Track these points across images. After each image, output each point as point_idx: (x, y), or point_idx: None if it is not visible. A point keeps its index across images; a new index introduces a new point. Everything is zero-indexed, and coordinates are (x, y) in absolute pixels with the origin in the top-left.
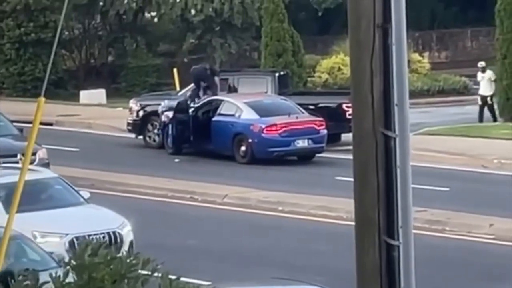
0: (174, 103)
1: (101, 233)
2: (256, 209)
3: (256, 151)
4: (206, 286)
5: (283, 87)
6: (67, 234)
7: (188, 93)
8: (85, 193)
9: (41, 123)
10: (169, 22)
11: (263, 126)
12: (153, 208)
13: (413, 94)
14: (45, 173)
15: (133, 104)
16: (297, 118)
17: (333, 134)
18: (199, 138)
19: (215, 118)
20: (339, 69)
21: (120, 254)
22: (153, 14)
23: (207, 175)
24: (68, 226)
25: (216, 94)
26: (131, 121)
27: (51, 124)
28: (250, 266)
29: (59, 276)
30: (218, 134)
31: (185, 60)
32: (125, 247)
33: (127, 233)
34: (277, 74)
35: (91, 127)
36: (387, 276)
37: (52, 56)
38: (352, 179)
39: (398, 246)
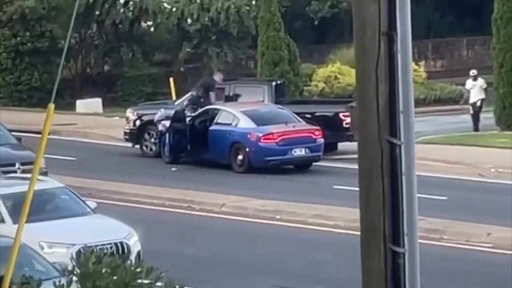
0: (171, 112)
1: (108, 243)
2: (254, 218)
3: (253, 160)
4: None
5: (279, 96)
6: (74, 245)
7: (185, 102)
8: (92, 203)
9: (38, 133)
10: (165, 32)
11: (260, 135)
12: (151, 217)
13: None
14: (52, 183)
15: (130, 113)
16: (294, 127)
17: (330, 143)
18: (196, 147)
19: (212, 127)
20: (336, 77)
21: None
22: (149, 23)
23: (204, 184)
24: (75, 237)
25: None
26: (128, 130)
27: (48, 134)
28: (249, 274)
29: (63, 284)
30: (215, 143)
31: (181, 69)
32: (133, 258)
33: (134, 243)
34: (273, 83)
35: (87, 136)
36: (393, 283)
37: (61, 64)
38: (349, 188)
39: (404, 254)
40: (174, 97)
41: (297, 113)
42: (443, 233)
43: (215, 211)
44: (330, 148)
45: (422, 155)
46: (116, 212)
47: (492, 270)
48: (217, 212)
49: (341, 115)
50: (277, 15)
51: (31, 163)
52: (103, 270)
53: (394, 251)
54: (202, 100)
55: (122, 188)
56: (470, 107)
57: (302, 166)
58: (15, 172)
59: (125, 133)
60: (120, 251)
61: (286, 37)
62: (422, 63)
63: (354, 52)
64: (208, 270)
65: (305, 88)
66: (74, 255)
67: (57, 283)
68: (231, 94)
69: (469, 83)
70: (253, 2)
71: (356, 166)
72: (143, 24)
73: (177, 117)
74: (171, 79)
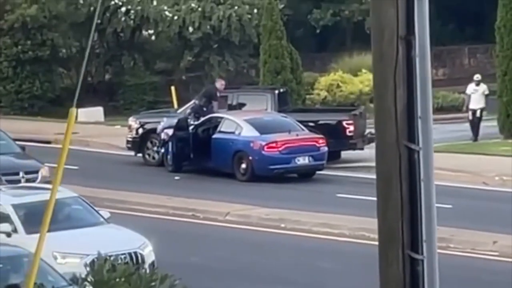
0: (173, 120)
1: (122, 254)
2: (258, 227)
3: (257, 168)
4: None
5: (282, 104)
6: (87, 255)
7: (188, 111)
8: (105, 213)
9: (39, 142)
10: (166, 40)
11: (264, 143)
12: (155, 225)
13: None
14: (65, 193)
15: (132, 121)
16: (297, 135)
17: (333, 151)
18: (199, 156)
19: (215, 136)
20: (338, 86)
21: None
22: (151, 32)
23: (207, 193)
24: (88, 247)
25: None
26: (130, 139)
27: (49, 142)
28: (254, 283)
29: None
30: (218, 152)
31: (183, 77)
32: (146, 268)
33: (148, 253)
34: (276, 91)
35: (89, 145)
36: None
37: (83, 70)
38: (353, 196)
39: (422, 261)
40: (175, 106)
41: (300, 121)
42: (449, 241)
43: (219, 219)
44: (333, 156)
45: None
46: (119, 221)
47: (498, 278)
48: (221, 221)
49: (344, 123)
50: (279, 23)
51: (35, 172)
52: (118, 278)
53: (413, 258)
54: (204, 109)
55: (125, 197)
56: (470, 113)
57: (306, 175)
58: (19, 181)
59: (128, 142)
60: (134, 261)
61: (289, 45)
62: None
63: (372, 57)
64: (213, 278)
65: (307, 96)
66: (87, 265)
67: None
68: (234, 102)
69: (471, 87)
70: (255, 11)
71: (359, 175)
72: (144, 33)
73: (180, 126)
74: (172, 88)
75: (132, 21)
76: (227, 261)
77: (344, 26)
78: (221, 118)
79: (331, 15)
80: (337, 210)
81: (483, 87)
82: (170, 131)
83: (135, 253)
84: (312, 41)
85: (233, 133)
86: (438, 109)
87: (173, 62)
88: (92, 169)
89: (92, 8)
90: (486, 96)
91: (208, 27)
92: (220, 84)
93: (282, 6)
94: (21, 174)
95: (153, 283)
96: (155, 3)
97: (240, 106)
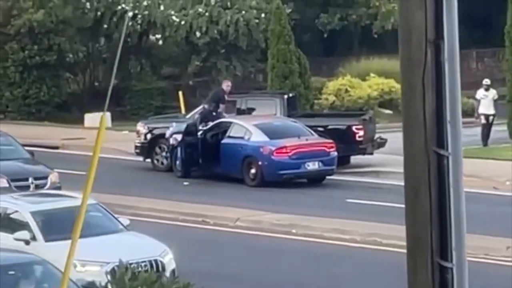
0: (182, 126)
1: (142, 261)
2: (269, 232)
3: (266, 173)
4: None
5: (291, 109)
6: (107, 263)
7: (196, 116)
8: (125, 220)
9: (46, 147)
10: (173, 45)
11: (273, 148)
12: (165, 231)
13: None
14: None
15: (141, 127)
16: (307, 140)
17: (343, 156)
18: (208, 161)
19: (224, 141)
20: (346, 90)
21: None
22: (158, 36)
23: (217, 198)
24: (108, 254)
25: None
26: (139, 144)
27: (57, 148)
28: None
29: None
30: (227, 157)
31: (190, 82)
32: (167, 276)
33: (169, 261)
34: (285, 96)
35: None
36: None
37: (114, 73)
38: (363, 202)
39: (452, 269)
40: (183, 111)
41: (309, 126)
42: None
43: (229, 225)
44: (342, 161)
45: None
46: (130, 226)
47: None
48: (232, 227)
49: (354, 128)
50: (288, 28)
51: (44, 177)
52: (139, 287)
53: (442, 265)
54: (214, 113)
55: (135, 203)
56: (482, 117)
57: (315, 180)
58: (28, 187)
59: (136, 147)
60: (155, 269)
61: (297, 50)
62: None
63: (399, 61)
64: (224, 285)
65: (316, 101)
66: (108, 273)
67: None
68: (242, 107)
69: (480, 93)
70: (262, 15)
71: (369, 180)
72: (152, 37)
73: (189, 131)
74: (180, 93)
75: (139, 26)
76: (239, 267)
77: (351, 30)
78: (230, 123)
79: (339, 20)
80: (347, 215)
81: (492, 92)
82: (179, 136)
83: (156, 260)
84: (319, 46)
85: (242, 138)
86: None
87: (180, 67)
88: (100, 174)
89: (99, 13)
90: (495, 101)
91: (216, 32)
92: (226, 85)
93: (290, 10)
94: (30, 180)
95: None
96: (162, 8)
97: (249, 110)
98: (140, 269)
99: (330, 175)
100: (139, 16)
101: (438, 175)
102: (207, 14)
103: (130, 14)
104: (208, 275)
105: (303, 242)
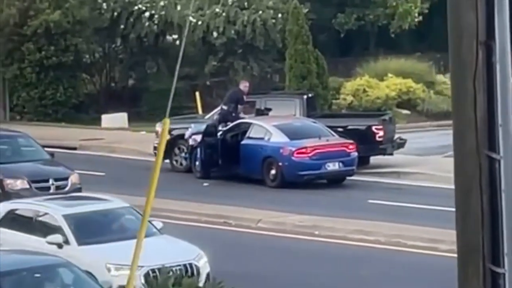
0: (201, 126)
1: (177, 265)
2: (292, 234)
3: (286, 174)
4: None
5: (311, 109)
6: (142, 267)
7: (215, 116)
8: (158, 223)
9: (64, 148)
10: (190, 45)
11: (293, 149)
12: (187, 233)
13: (438, 116)
14: (117, 203)
15: (160, 128)
16: (327, 140)
17: (362, 156)
18: (227, 162)
19: (244, 142)
20: (364, 91)
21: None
22: (175, 37)
23: (237, 199)
24: (142, 258)
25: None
26: (157, 145)
27: (75, 149)
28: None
29: None
30: (247, 158)
31: (207, 83)
32: (202, 280)
33: (203, 265)
34: (305, 97)
35: (115, 151)
36: None
37: (176, 75)
38: (385, 202)
39: (504, 274)
40: (200, 111)
41: (329, 127)
42: None
43: (252, 226)
44: (362, 162)
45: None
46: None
47: None
48: (254, 228)
49: (373, 128)
50: (305, 28)
51: (65, 179)
52: None
53: (494, 271)
54: (233, 114)
55: (156, 204)
56: None
57: (336, 181)
58: (49, 188)
59: (155, 148)
60: (189, 273)
61: (315, 50)
62: (447, 75)
63: (450, 63)
64: (249, 287)
65: (333, 101)
66: (142, 277)
67: None
68: (262, 107)
69: None
70: (279, 15)
71: (390, 181)
72: (168, 38)
73: (209, 132)
74: (197, 93)
75: (156, 26)
76: (264, 269)
77: (368, 30)
78: (250, 123)
79: (356, 19)
80: (370, 216)
81: None
82: (198, 137)
83: (190, 264)
84: (335, 46)
85: (262, 139)
86: None
87: (196, 67)
88: (119, 175)
89: (115, 13)
90: None
91: (233, 32)
92: (243, 86)
93: (306, 10)
94: (50, 181)
95: None
96: (179, 8)
97: (266, 111)
98: (176, 272)
99: (350, 175)
100: (156, 16)
101: (490, 179)
102: (224, 14)
103: (147, 14)
104: (231, 276)
105: (326, 244)
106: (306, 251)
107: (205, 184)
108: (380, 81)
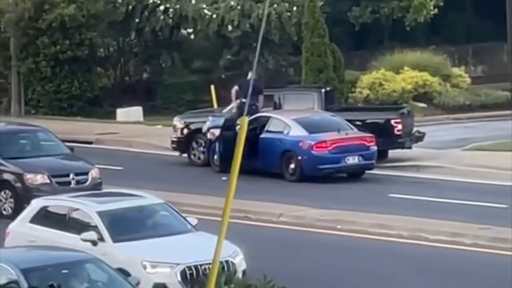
0: (219, 120)
1: None
2: (313, 228)
3: (306, 168)
4: None
5: (329, 103)
6: (178, 264)
7: (234, 110)
8: (193, 220)
9: (80, 142)
10: (205, 39)
11: (313, 143)
12: (208, 227)
13: (455, 109)
14: (151, 199)
15: (177, 121)
16: (346, 134)
17: (381, 150)
18: (246, 156)
19: (262, 135)
20: (380, 84)
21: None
22: (189, 30)
23: (257, 193)
24: (179, 256)
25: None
26: (175, 139)
27: (90, 143)
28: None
29: None
30: (266, 152)
31: (222, 76)
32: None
33: (239, 262)
34: (323, 90)
35: (131, 145)
36: None
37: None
38: (405, 196)
39: None
40: (215, 105)
41: (347, 120)
42: (510, 242)
43: (273, 221)
44: (380, 155)
45: (475, 162)
46: None
47: None
48: (275, 222)
49: (392, 121)
50: (321, 21)
51: (85, 173)
52: None
53: None
54: (254, 106)
55: (176, 198)
56: None
57: (355, 174)
58: (69, 183)
59: (173, 142)
60: (226, 270)
61: (331, 43)
62: (462, 68)
63: (507, 53)
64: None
65: (350, 95)
66: (178, 275)
67: None
68: (279, 101)
69: None
70: (294, 8)
71: (409, 174)
72: (183, 31)
73: (227, 125)
74: (212, 87)
75: (170, 20)
76: (287, 264)
77: (383, 23)
78: (269, 117)
79: (370, 13)
80: (391, 210)
81: None
82: (216, 131)
83: (227, 261)
84: (350, 39)
85: (281, 132)
86: (481, 107)
87: (212, 61)
88: (137, 169)
89: (130, 7)
90: None
91: (248, 25)
92: (250, 76)
93: (321, 3)
94: (71, 176)
95: None
96: (193, 1)
97: (286, 105)
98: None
99: (370, 169)
100: (171, 10)
101: None
102: (239, 7)
103: (162, 7)
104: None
105: (348, 238)
106: (329, 246)
107: (224, 178)
108: (396, 74)
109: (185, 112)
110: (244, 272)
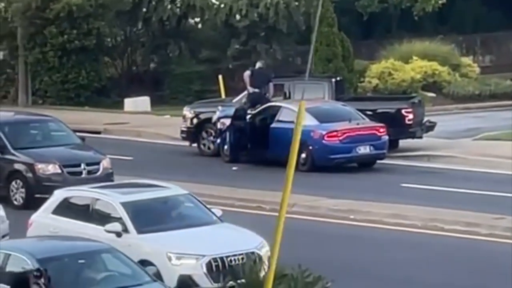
0: (229, 110)
1: (239, 254)
2: (327, 218)
3: (317, 158)
4: None
5: (339, 92)
6: (204, 256)
7: (243, 100)
8: (217, 211)
9: (88, 132)
10: (212, 28)
11: (324, 132)
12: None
13: (464, 99)
14: (175, 190)
15: (187, 111)
16: (358, 124)
17: (392, 140)
18: (257, 146)
19: (273, 125)
20: (390, 73)
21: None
22: (197, 20)
23: (268, 183)
24: (204, 247)
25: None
26: (185, 129)
27: (99, 133)
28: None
29: None
30: (276, 141)
31: (230, 66)
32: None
33: (265, 253)
34: (333, 80)
35: (140, 135)
36: None
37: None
38: (418, 186)
39: None
40: (223, 95)
41: (357, 110)
42: None
43: (286, 211)
44: (391, 145)
45: (487, 152)
46: None
47: None
48: (289, 212)
49: (403, 111)
50: (331, 10)
51: (96, 163)
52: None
53: None
54: (266, 95)
55: (189, 188)
56: None
57: (366, 164)
58: (80, 173)
59: (182, 132)
60: (252, 262)
61: (340, 33)
62: (470, 58)
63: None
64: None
65: (359, 84)
66: (204, 266)
67: None
68: (289, 91)
69: None
70: None
71: (421, 164)
72: (191, 21)
73: (238, 115)
74: (220, 77)
75: (178, 9)
76: (303, 254)
77: (391, 12)
78: (279, 107)
79: (379, 2)
80: (404, 200)
81: None
82: (226, 121)
83: (253, 253)
84: (357, 29)
85: (292, 122)
86: (490, 96)
87: (219, 51)
88: (147, 159)
89: None
90: None
91: (255, 14)
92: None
93: None
94: (82, 166)
95: (308, 285)
96: None
97: (297, 94)
98: (238, 262)
99: (381, 159)
100: None
101: None
102: None
103: None
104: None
105: (363, 228)
106: (344, 236)
107: (234, 168)
108: (405, 63)
109: (195, 102)
110: None
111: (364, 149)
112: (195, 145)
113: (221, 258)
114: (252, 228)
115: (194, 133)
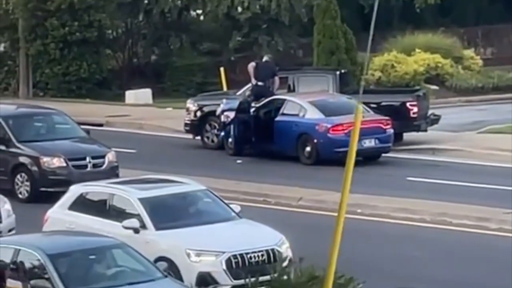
0: (232, 103)
1: (259, 251)
2: (334, 212)
3: (322, 151)
4: None
5: (344, 85)
6: (223, 252)
7: (247, 93)
8: (236, 207)
9: (90, 124)
10: (214, 20)
11: (329, 125)
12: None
13: (467, 92)
14: (193, 186)
15: (191, 104)
16: (363, 117)
17: (396, 133)
18: (261, 139)
19: (278, 118)
20: (392, 66)
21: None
22: (199, 12)
23: (273, 177)
24: (223, 244)
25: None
26: (188, 122)
27: (101, 125)
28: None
29: None
30: (281, 135)
31: (232, 58)
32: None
33: (285, 250)
34: (338, 72)
35: (142, 128)
36: None
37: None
38: (424, 180)
39: None
40: (225, 88)
41: (362, 103)
42: None
43: (292, 205)
44: (395, 138)
45: (491, 145)
46: None
47: None
48: (295, 206)
49: (408, 104)
50: (334, 2)
51: (101, 156)
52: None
53: None
54: (271, 88)
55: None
56: None
57: (371, 158)
58: (86, 166)
59: (186, 124)
60: (272, 259)
61: (343, 25)
62: (472, 50)
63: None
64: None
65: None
66: (224, 263)
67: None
68: (294, 83)
69: None
70: None
71: (426, 157)
72: (192, 13)
73: (242, 108)
74: (221, 69)
75: (179, 1)
76: (310, 249)
77: (393, 5)
78: (284, 100)
79: None
80: (410, 194)
81: None
82: (230, 114)
83: (272, 250)
84: (358, 21)
85: (296, 115)
86: (494, 89)
87: (221, 43)
88: (150, 152)
89: None
90: None
91: (257, 6)
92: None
93: None
94: (87, 159)
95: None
96: None
97: (301, 87)
98: (257, 259)
99: (386, 152)
100: None
101: None
102: None
103: None
104: None
105: (370, 222)
106: (351, 230)
107: (239, 161)
108: (408, 56)
109: (198, 95)
110: (290, 261)
111: (369, 143)
112: (198, 138)
113: (241, 255)
114: (258, 222)
115: (197, 125)
